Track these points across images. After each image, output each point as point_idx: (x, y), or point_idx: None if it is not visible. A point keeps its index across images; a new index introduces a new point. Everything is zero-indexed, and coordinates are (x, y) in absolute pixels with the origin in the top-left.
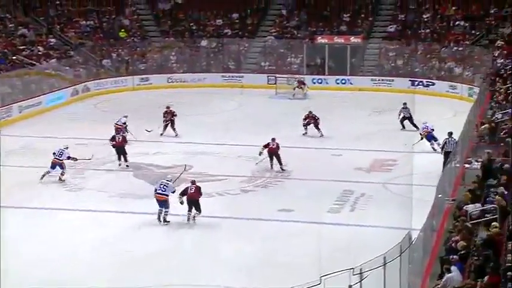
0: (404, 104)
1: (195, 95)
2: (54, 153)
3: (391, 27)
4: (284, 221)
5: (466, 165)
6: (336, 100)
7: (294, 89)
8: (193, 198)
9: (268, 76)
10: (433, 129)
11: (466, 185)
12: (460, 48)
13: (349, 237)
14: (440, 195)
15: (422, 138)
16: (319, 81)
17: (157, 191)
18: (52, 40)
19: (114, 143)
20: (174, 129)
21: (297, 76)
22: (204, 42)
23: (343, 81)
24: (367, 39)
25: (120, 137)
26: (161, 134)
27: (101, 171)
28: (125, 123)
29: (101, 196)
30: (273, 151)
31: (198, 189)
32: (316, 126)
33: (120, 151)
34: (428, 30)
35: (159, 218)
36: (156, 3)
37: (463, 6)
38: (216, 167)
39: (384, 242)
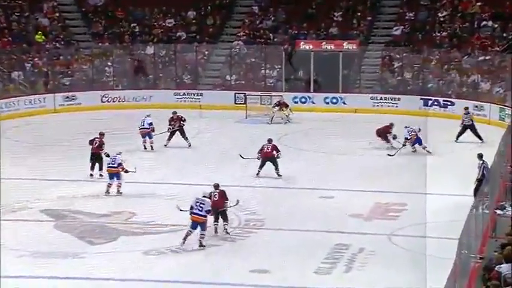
0: (466, 108)
1: (138, 118)
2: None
3: (396, 30)
4: (257, 286)
5: (498, 212)
6: (324, 125)
7: (273, 112)
8: (216, 207)
9: (235, 94)
10: (420, 129)
11: (497, 238)
12: (488, 57)
13: None
14: (464, 251)
15: (405, 144)
16: (303, 100)
17: (194, 211)
18: None
19: (91, 147)
20: (186, 139)
21: (274, 94)
22: (150, 49)
23: (334, 101)
24: (365, 45)
25: (97, 142)
26: (165, 145)
27: (8, 222)
28: (151, 123)
29: (8, 256)
30: (268, 156)
31: (222, 194)
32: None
33: (95, 158)
34: (445, 33)
35: (184, 240)
36: None
37: (490, 2)
38: (168, 214)
39: None
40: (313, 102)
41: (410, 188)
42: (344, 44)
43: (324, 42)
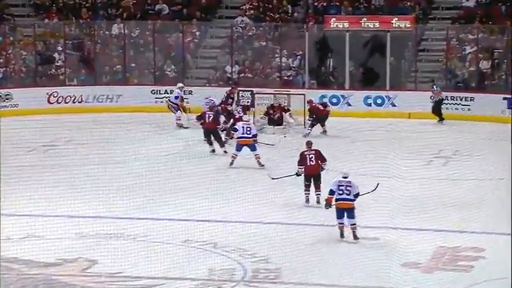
0: (432, 81)
1: (102, 126)
2: (235, 129)
3: (468, 0)
4: None
5: None
6: (363, 136)
7: (263, 118)
8: (313, 173)
9: (239, 92)
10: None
11: None
12: None
13: None
14: None
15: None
16: (334, 100)
17: (341, 197)
18: None
19: (202, 121)
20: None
21: (293, 92)
22: (117, 28)
23: (379, 101)
24: (424, 23)
25: (211, 115)
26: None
27: None
28: (177, 97)
29: None
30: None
31: (319, 155)
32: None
33: (211, 135)
34: None
35: (342, 235)
36: None
37: None
38: (142, 262)
39: None
40: (349, 104)
41: (488, 226)
42: (393, 21)
43: (365, 19)
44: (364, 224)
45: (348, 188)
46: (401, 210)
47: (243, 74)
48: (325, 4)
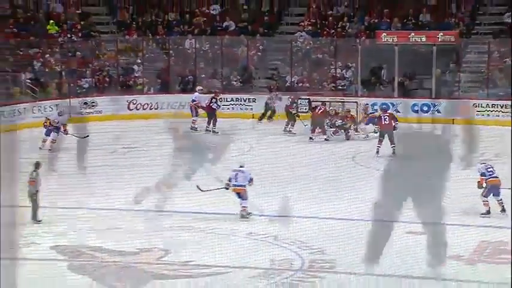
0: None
1: (174, 131)
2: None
3: (509, 16)
4: None
5: None
6: (411, 140)
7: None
8: (387, 129)
9: (298, 100)
10: None
11: None
12: None
13: None
14: None
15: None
16: (384, 107)
17: (493, 176)
18: None
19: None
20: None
21: (347, 99)
22: (188, 43)
23: (425, 108)
24: (467, 37)
25: (208, 101)
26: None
27: (8, 262)
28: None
29: None
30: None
31: (392, 117)
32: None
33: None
34: None
35: (489, 211)
36: None
37: None
38: (211, 252)
39: None
40: (398, 111)
41: None
42: (439, 36)
43: (413, 34)
44: (411, 220)
45: (492, 168)
46: (447, 208)
47: (301, 84)
48: (376, 20)
